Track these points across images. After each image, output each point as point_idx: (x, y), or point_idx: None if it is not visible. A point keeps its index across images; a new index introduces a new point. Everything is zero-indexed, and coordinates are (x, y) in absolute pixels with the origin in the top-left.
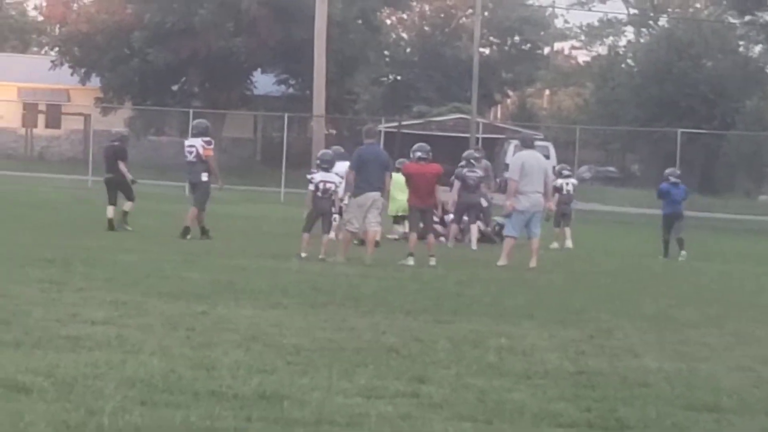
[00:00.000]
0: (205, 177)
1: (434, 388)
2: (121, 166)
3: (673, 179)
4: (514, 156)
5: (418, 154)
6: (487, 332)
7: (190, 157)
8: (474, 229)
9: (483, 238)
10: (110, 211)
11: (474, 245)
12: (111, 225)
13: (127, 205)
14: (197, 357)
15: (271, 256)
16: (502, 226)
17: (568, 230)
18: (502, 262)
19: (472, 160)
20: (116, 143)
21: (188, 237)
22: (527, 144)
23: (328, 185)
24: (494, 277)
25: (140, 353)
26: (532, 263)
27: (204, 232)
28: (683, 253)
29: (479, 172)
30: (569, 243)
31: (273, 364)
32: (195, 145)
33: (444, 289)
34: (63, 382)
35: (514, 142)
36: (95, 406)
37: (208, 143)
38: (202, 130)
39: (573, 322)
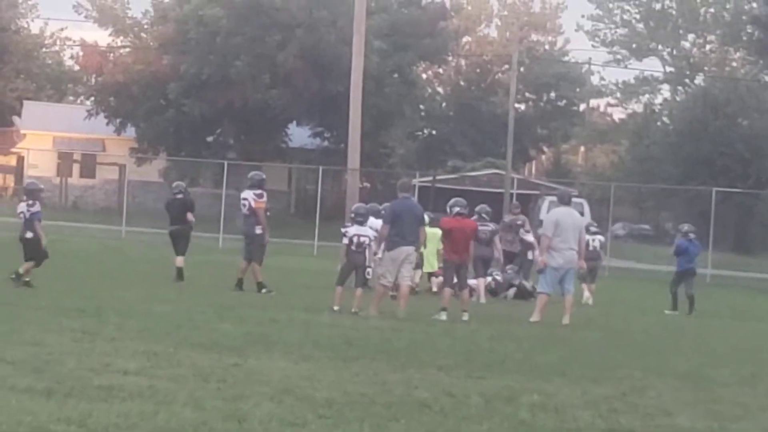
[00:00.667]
0: (259, 230)
1: None
2: (190, 216)
3: (692, 236)
4: (549, 212)
5: (457, 209)
6: (520, 389)
7: (244, 210)
8: (481, 283)
9: (519, 293)
10: (179, 261)
11: (482, 299)
12: (180, 274)
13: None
14: (229, 409)
15: (303, 308)
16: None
17: (592, 286)
18: (534, 318)
19: (483, 214)
20: (180, 195)
21: (264, 291)
22: (564, 201)
23: (362, 239)
24: (527, 334)
25: (172, 404)
26: (566, 320)
27: (239, 284)
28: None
29: (491, 226)
30: (590, 299)
31: (304, 418)
32: (248, 197)
33: (477, 345)
34: (95, 431)
35: (549, 199)
36: None
37: (260, 196)
38: (256, 182)
39: (606, 380)
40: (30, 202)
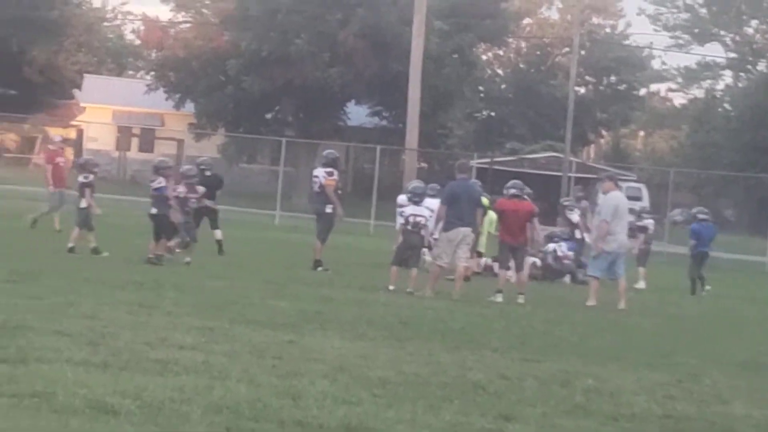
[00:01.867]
0: (329, 209)
1: (520, 427)
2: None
3: (701, 216)
4: (607, 197)
5: (512, 191)
6: (575, 372)
7: (316, 188)
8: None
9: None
10: (218, 234)
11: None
12: (221, 247)
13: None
14: (283, 386)
15: (359, 287)
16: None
17: (644, 270)
18: (591, 302)
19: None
20: (209, 173)
21: (319, 269)
22: (617, 184)
23: (418, 219)
24: (582, 318)
25: (227, 380)
26: (622, 305)
27: (318, 264)
28: (708, 287)
29: None
30: (642, 284)
31: (359, 396)
32: (319, 175)
33: (532, 328)
34: (150, 405)
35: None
36: (181, 431)
37: (330, 174)
38: (330, 161)
39: (661, 366)
40: (153, 178)
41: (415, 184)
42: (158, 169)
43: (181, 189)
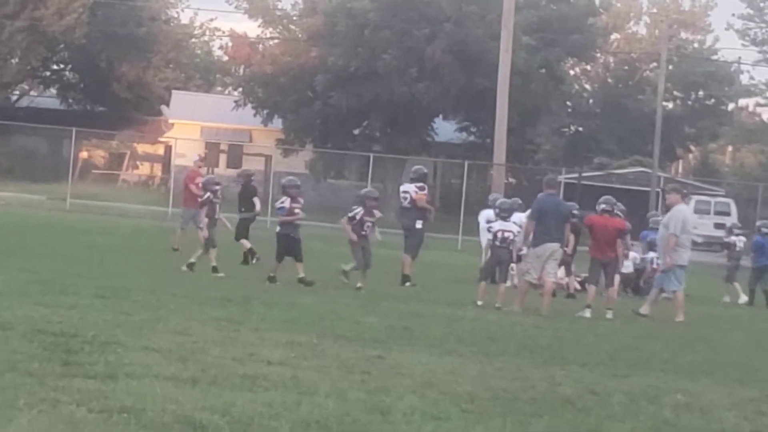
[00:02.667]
0: (419, 224)
1: None
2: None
3: (764, 230)
4: (674, 210)
5: (603, 206)
6: (664, 388)
7: (405, 203)
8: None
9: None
10: (246, 243)
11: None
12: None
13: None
14: (372, 401)
15: (447, 303)
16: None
17: (738, 285)
18: (679, 318)
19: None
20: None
21: (407, 284)
22: (683, 196)
23: (506, 234)
24: (672, 333)
25: (315, 395)
26: (680, 317)
27: (406, 279)
28: (743, 299)
29: (514, 228)
30: (738, 298)
31: (447, 412)
32: (408, 191)
33: (621, 343)
34: (239, 421)
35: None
36: None
37: (421, 189)
38: (419, 176)
39: (752, 381)
40: (282, 198)
41: (500, 199)
42: (285, 188)
43: (359, 211)
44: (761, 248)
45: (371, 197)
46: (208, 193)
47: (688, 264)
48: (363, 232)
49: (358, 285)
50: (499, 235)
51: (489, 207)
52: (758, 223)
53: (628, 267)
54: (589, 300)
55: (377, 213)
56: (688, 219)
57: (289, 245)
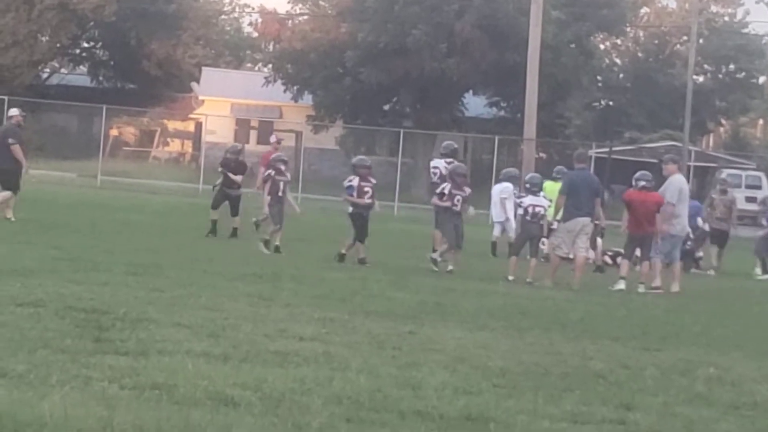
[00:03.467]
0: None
1: (641, 416)
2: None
3: None
4: (671, 179)
5: (642, 183)
6: (696, 361)
7: (435, 178)
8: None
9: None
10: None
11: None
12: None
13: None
14: (403, 376)
15: (478, 278)
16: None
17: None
18: (675, 288)
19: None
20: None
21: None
22: (680, 166)
23: (537, 209)
24: (703, 306)
25: (347, 371)
26: (675, 288)
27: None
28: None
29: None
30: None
31: (479, 386)
32: (438, 166)
33: (652, 317)
34: (270, 396)
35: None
36: (302, 422)
37: (450, 164)
38: (449, 152)
39: None
40: (350, 177)
41: (509, 170)
42: (355, 167)
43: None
44: None
45: (460, 173)
46: (270, 170)
47: (681, 234)
48: (455, 207)
49: (449, 268)
50: (530, 210)
51: (501, 181)
52: None
53: None
54: (623, 273)
55: (467, 189)
56: (685, 189)
57: (361, 224)
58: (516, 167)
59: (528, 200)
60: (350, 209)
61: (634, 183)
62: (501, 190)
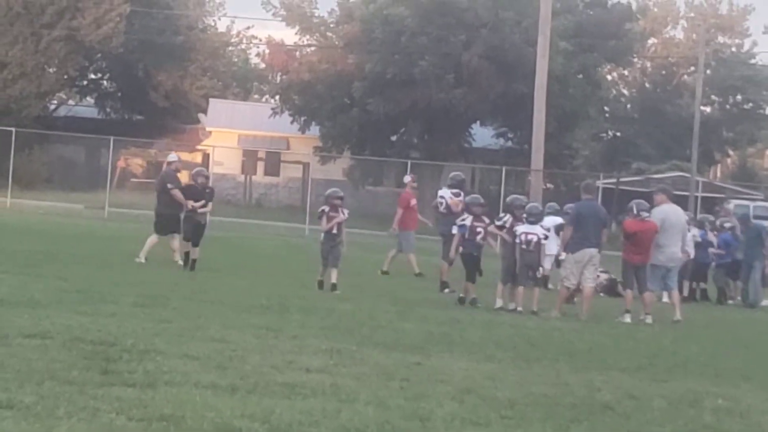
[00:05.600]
0: (455, 230)
1: None
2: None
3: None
4: (655, 210)
5: (645, 214)
6: (704, 392)
7: (441, 209)
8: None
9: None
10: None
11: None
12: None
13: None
14: (411, 408)
15: (485, 308)
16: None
17: None
18: (646, 314)
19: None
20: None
21: (446, 291)
22: (670, 197)
23: (529, 236)
24: (711, 337)
25: (355, 402)
26: (677, 316)
27: (444, 285)
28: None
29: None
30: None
31: (487, 417)
32: (445, 196)
33: (660, 347)
34: (278, 428)
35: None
36: None
37: (457, 195)
38: (456, 182)
39: None
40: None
41: (552, 204)
42: (469, 206)
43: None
44: (728, 245)
45: (478, 203)
46: (324, 207)
47: (673, 264)
48: (480, 238)
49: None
50: (523, 237)
51: (548, 214)
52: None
53: None
54: (627, 305)
55: (486, 219)
56: (668, 219)
57: (473, 263)
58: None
59: (522, 228)
60: (461, 249)
61: (635, 212)
62: (557, 223)
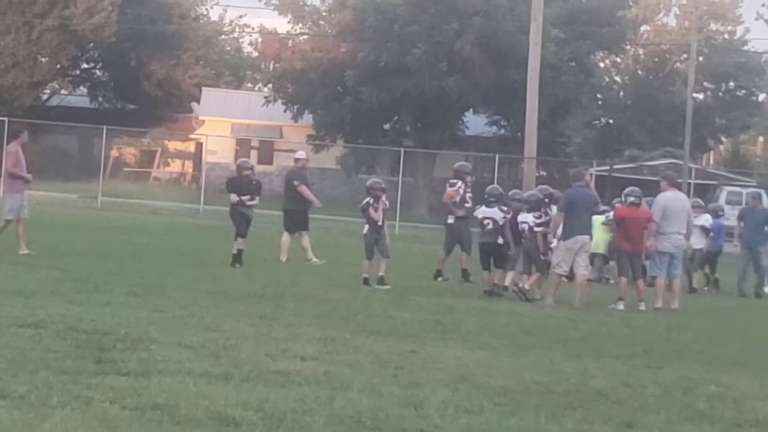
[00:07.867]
0: (450, 219)
1: None
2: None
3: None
4: (657, 197)
5: (631, 198)
6: (698, 379)
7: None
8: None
9: None
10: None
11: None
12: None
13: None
14: (405, 395)
15: (480, 296)
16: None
17: None
18: (658, 304)
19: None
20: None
21: (440, 279)
22: (673, 183)
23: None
24: (705, 324)
25: (349, 390)
26: (675, 304)
27: (438, 274)
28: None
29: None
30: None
31: (480, 405)
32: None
33: (654, 335)
34: (272, 416)
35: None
36: None
37: (452, 185)
38: (454, 172)
39: None
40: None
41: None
42: (492, 196)
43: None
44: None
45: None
46: (369, 198)
47: (677, 251)
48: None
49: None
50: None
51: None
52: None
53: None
54: (621, 293)
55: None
56: (671, 206)
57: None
58: (517, 186)
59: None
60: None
61: (623, 198)
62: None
